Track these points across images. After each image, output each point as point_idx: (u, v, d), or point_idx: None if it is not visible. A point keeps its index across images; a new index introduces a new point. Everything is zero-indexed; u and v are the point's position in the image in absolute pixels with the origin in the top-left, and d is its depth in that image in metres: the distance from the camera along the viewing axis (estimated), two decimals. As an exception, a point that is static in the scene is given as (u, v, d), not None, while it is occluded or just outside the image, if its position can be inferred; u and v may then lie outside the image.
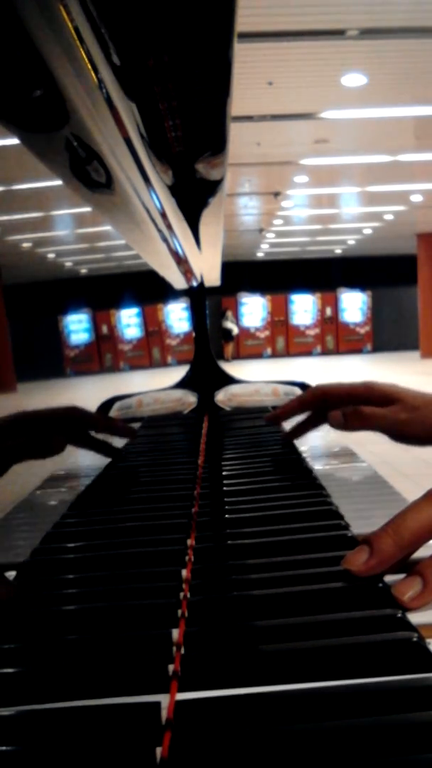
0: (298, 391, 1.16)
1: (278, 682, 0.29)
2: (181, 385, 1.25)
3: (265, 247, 14.56)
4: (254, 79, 4.56)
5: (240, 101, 4.85)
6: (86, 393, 10.05)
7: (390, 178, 7.90)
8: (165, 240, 0.77)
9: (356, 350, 16.56)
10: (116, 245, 10.86)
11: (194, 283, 1.21)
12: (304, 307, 16.79)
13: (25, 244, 10.42)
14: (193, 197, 0.57)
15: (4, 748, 0.25)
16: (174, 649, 0.31)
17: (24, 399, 10.36)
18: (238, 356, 16.23)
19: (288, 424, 0.76)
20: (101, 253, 12.16)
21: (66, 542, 0.50)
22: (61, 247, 11.49)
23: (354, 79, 4.69)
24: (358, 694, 0.27)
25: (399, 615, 0.33)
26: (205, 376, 1.23)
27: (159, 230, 0.71)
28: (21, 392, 11.57)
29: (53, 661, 0.32)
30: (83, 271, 14.79)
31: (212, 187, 0.55)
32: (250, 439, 0.84)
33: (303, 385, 1.16)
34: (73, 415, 0.70)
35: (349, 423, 0.64)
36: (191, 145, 0.43)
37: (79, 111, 0.36)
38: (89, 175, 0.49)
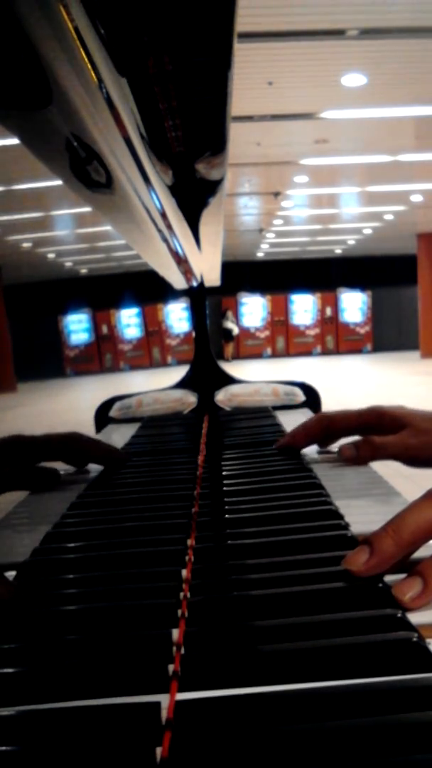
0: (298, 391, 1.16)
1: (278, 682, 0.29)
2: (181, 385, 1.25)
3: (265, 247, 14.56)
4: (254, 79, 4.56)
5: (240, 101, 4.85)
6: (86, 393, 10.05)
7: (390, 178, 7.90)
8: (165, 240, 0.77)
9: (356, 350, 16.55)
10: (116, 245, 10.86)
11: (194, 283, 1.21)
12: (304, 307, 16.78)
13: (25, 244, 10.42)
14: (193, 197, 0.57)
15: (4, 748, 0.25)
16: (174, 649, 0.31)
17: (24, 399, 10.36)
18: (238, 356, 16.23)
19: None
20: (101, 253, 12.16)
21: (66, 542, 0.50)
22: (61, 247, 11.49)
23: (354, 79, 4.69)
24: (358, 694, 0.27)
25: (399, 615, 0.33)
26: (205, 376, 1.23)
27: (159, 230, 0.71)
28: (21, 392, 11.57)
29: (53, 661, 0.32)
30: (83, 271, 14.79)
31: (212, 187, 0.55)
32: (250, 439, 0.84)
33: (303, 386, 1.16)
34: (71, 443, 0.69)
35: (361, 455, 0.64)
36: (191, 145, 0.43)
37: (79, 111, 0.36)
38: (89, 175, 0.49)
